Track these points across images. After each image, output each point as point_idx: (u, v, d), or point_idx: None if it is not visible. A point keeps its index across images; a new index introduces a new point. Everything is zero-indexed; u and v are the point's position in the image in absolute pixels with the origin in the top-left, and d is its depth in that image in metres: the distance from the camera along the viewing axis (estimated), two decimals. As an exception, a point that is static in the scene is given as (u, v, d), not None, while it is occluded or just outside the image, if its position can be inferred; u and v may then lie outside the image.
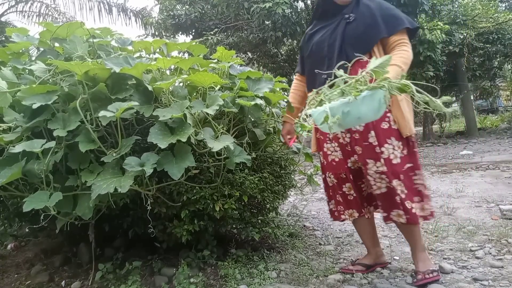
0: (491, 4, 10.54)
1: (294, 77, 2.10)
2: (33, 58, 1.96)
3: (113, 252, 2.15)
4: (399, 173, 1.69)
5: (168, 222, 1.92)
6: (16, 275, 2.13)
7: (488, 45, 9.99)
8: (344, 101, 1.20)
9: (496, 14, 10.24)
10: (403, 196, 1.69)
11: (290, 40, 10.47)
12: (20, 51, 1.95)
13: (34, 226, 1.82)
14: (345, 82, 1.31)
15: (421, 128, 12.33)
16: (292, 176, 2.39)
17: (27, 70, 1.75)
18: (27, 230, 2.53)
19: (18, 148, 1.40)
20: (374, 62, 1.29)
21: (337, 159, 1.86)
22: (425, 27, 8.15)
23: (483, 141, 9.39)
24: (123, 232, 2.15)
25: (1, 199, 1.98)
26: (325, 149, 1.90)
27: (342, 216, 1.91)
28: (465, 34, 9.63)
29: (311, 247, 2.44)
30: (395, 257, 2.18)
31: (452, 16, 9.62)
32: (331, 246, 2.44)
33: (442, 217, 2.92)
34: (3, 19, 9.93)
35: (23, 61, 1.87)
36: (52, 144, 1.43)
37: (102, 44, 1.98)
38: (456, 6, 10.07)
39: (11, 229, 2.57)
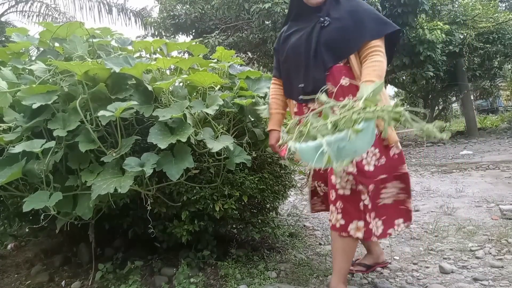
0: (491, 4, 10.53)
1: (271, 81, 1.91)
2: (33, 58, 1.96)
3: (113, 252, 2.15)
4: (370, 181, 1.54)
5: (168, 222, 1.92)
6: (16, 275, 2.13)
7: (488, 45, 9.98)
8: (340, 136, 1.05)
9: (496, 14, 10.24)
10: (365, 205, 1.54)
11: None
12: (20, 51, 1.95)
13: (34, 226, 1.82)
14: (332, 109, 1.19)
15: (421, 128, 12.30)
16: (292, 176, 2.40)
17: (27, 70, 1.75)
18: (27, 230, 2.53)
19: (18, 148, 1.40)
20: (366, 90, 1.16)
21: None
22: (425, 27, 8.15)
23: (483, 141, 9.39)
24: (123, 232, 2.15)
25: (1, 199, 1.98)
26: None
27: (318, 208, 1.94)
28: (465, 34, 9.62)
29: (311, 247, 2.44)
30: (395, 257, 2.18)
31: (452, 16, 9.62)
32: (330, 246, 2.44)
33: (442, 217, 2.92)
34: (3, 19, 9.94)
35: (23, 61, 1.87)
36: (52, 144, 1.44)
37: (102, 44, 1.98)
38: (456, 6, 10.07)
39: (11, 229, 2.57)
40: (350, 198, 1.53)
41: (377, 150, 1.57)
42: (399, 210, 1.66)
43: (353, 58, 1.59)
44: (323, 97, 1.23)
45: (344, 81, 1.59)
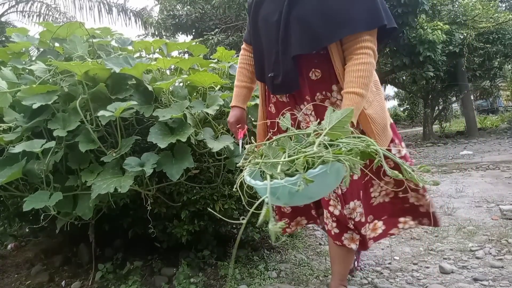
0: (491, 4, 10.53)
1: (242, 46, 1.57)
2: (33, 58, 1.96)
3: (113, 252, 2.15)
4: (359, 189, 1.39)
5: (168, 222, 1.92)
6: (16, 275, 2.13)
7: (488, 45, 9.98)
8: (290, 181, 0.86)
9: (496, 14, 10.23)
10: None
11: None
12: (20, 51, 1.95)
13: (34, 226, 1.82)
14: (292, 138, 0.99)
15: (421, 128, 12.33)
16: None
17: (27, 70, 1.75)
18: (27, 230, 2.53)
19: (18, 148, 1.40)
20: (330, 117, 0.92)
21: None
22: (426, 27, 8.15)
23: (483, 141, 9.39)
24: (123, 232, 2.15)
25: (1, 199, 1.98)
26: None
27: (288, 230, 1.65)
28: (465, 34, 9.62)
29: (311, 247, 2.44)
30: (395, 257, 2.18)
31: (452, 16, 9.62)
32: (328, 249, 2.44)
33: (442, 217, 2.92)
34: (3, 19, 9.94)
35: (23, 61, 1.87)
36: (52, 144, 1.44)
37: (102, 44, 1.98)
38: (456, 6, 10.07)
39: (11, 229, 2.57)
40: (340, 217, 1.42)
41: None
42: (403, 209, 1.50)
43: (335, 50, 1.24)
44: (285, 122, 1.00)
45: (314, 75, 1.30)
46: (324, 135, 0.91)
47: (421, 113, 14.87)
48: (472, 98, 14.24)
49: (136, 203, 1.85)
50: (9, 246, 2.55)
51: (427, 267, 2.00)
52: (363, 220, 1.41)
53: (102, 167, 1.53)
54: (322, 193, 1.03)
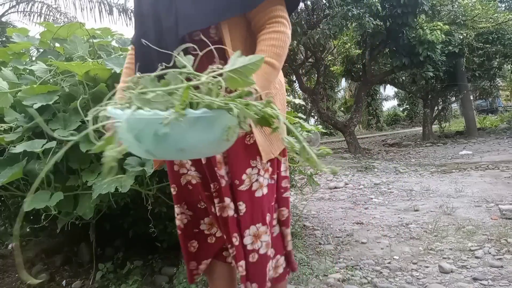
0: (490, 5, 10.54)
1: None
2: (34, 59, 1.97)
3: (114, 252, 2.16)
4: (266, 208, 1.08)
5: (169, 221, 1.92)
6: (17, 275, 2.14)
7: (487, 45, 10.00)
8: (159, 115, 0.63)
9: (496, 14, 10.25)
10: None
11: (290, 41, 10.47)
12: (21, 51, 1.96)
13: (35, 226, 1.83)
14: (188, 80, 0.68)
15: (421, 128, 12.34)
16: (292, 176, 2.40)
17: (28, 70, 1.75)
18: (28, 229, 2.54)
19: (19, 148, 1.40)
20: (234, 61, 0.72)
21: (194, 181, 1.15)
22: (425, 27, 8.16)
23: (482, 141, 9.40)
24: (124, 232, 2.15)
25: (2, 199, 1.99)
26: (175, 167, 1.17)
27: (196, 276, 1.24)
28: (465, 34, 9.64)
29: (311, 247, 2.44)
30: (394, 257, 2.18)
31: (452, 17, 9.63)
32: (331, 246, 2.45)
33: (442, 217, 2.92)
34: (4, 19, 9.94)
35: (24, 61, 1.88)
36: (52, 144, 1.44)
37: (103, 45, 1.98)
38: (456, 6, 10.08)
39: (12, 228, 2.58)
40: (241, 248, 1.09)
41: (268, 164, 1.09)
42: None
43: (225, 25, 1.01)
44: (181, 59, 0.72)
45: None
46: (222, 78, 0.68)
47: (421, 113, 14.88)
48: (471, 98, 14.26)
49: (136, 203, 1.85)
50: (9, 246, 2.55)
51: (427, 267, 2.01)
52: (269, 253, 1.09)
53: (103, 167, 1.54)
54: (198, 149, 0.73)
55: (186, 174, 1.15)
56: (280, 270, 1.15)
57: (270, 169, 1.09)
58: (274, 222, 1.13)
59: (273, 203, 1.11)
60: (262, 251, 1.06)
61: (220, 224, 1.11)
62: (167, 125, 0.61)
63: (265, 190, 1.06)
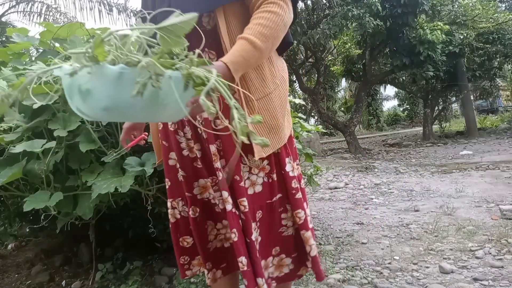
0: (491, 4, 10.54)
1: None
2: (34, 58, 1.97)
3: (114, 252, 2.16)
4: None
5: (168, 222, 1.92)
6: (16, 275, 2.13)
7: (488, 45, 10.00)
8: (72, 68, 0.60)
9: (496, 14, 10.25)
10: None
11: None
12: (21, 51, 1.96)
13: (35, 226, 1.83)
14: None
15: (421, 128, 12.34)
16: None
17: (27, 70, 1.75)
18: (27, 230, 2.53)
19: (18, 148, 1.40)
20: (171, 20, 0.63)
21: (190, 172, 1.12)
22: (426, 27, 8.16)
23: (483, 141, 9.40)
24: (123, 232, 2.15)
25: (2, 199, 1.98)
26: (170, 162, 1.15)
27: (187, 272, 1.21)
28: (465, 34, 9.64)
29: (311, 247, 2.44)
30: (395, 257, 2.18)
31: (452, 17, 9.63)
32: (331, 246, 2.45)
33: (442, 217, 2.92)
34: (4, 19, 9.94)
35: (23, 61, 1.88)
36: (52, 144, 1.44)
37: (103, 44, 1.98)
38: (456, 6, 10.08)
39: (12, 229, 2.58)
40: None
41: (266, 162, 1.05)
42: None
43: (220, 13, 0.97)
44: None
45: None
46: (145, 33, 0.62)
47: (421, 113, 14.88)
48: (472, 98, 14.26)
49: (136, 203, 1.85)
50: (9, 246, 2.55)
51: (427, 267, 2.01)
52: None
53: (102, 167, 1.54)
54: (124, 109, 0.66)
55: (184, 158, 1.12)
56: (286, 270, 1.12)
57: (268, 167, 1.06)
58: (284, 222, 1.11)
59: (269, 201, 1.08)
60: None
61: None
62: (85, 80, 0.59)
63: (258, 188, 1.05)
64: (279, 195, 1.09)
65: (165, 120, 0.90)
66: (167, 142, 1.13)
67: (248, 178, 1.05)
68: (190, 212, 1.12)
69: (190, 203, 1.12)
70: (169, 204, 1.20)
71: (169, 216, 1.19)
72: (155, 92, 0.62)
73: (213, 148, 1.03)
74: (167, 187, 1.18)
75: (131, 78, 0.60)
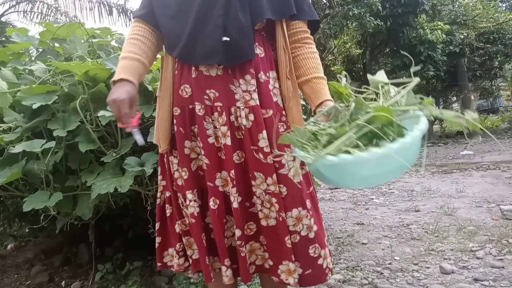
0: (491, 4, 10.53)
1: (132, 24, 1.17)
2: (33, 58, 1.96)
3: (113, 252, 2.15)
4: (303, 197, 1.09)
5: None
6: (16, 275, 2.13)
7: (488, 45, 10.00)
8: (378, 154, 0.68)
9: (497, 14, 10.25)
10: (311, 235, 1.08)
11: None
12: (20, 51, 1.95)
13: (34, 226, 1.82)
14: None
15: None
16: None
17: (27, 70, 1.75)
18: (27, 230, 2.53)
19: (18, 148, 1.40)
20: (399, 91, 0.79)
21: (201, 172, 1.12)
22: (426, 27, 8.16)
23: (483, 141, 9.38)
24: (123, 233, 2.15)
25: (1, 199, 1.98)
26: (186, 151, 1.11)
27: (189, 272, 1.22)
28: (466, 34, 9.63)
29: (311, 247, 2.43)
30: (395, 257, 2.17)
31: (452, 16, 9.63)
32: (331, 246, 2.44)
33: (443, 217, 2.91)
34: (3, 19, 9.94)
35: (23, 61, 1.88)
36: (52, 144, 1.44)
37: (102, 44, 1.98)
38: (456, 6, 10.08)
39: (11, 229, 2.58)
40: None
41: None
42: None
43: (279, 25, 1.11)
44: (374, 77, 0.85)
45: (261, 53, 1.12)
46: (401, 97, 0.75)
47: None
48: (472, 98, 14.24)
49: (136, 203, 1.85)
50: (9, 246, 2.55)
51: (428, 267, 2.00)
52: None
53: (102, 167, 1.53)
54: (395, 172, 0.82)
55: (196, 159, 1.12)
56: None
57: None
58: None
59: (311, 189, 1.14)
60: (303, 233, 1.08)
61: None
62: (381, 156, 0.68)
63: (271, 222, 1.08)
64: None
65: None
66: (184, 130, 1.11)
67: (261, 210, 1.08)
68: (211, 203, 1.07)
69: (211, 193, 1.08)
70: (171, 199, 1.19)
71: (190, 210, 1.10)
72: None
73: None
74: (185, 177, 1.10)
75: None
